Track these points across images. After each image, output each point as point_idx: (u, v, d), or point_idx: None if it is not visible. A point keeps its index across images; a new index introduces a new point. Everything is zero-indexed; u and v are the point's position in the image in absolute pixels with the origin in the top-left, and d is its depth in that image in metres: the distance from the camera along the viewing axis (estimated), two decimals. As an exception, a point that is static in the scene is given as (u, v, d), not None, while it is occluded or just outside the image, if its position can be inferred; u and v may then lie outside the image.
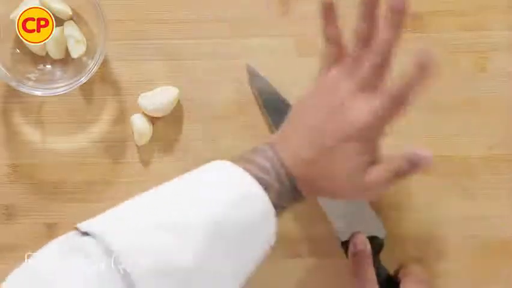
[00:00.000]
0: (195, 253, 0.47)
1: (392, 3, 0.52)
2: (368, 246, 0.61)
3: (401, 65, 0.67)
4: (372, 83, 0.53)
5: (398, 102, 0.52)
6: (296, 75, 0.67)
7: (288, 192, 0.53)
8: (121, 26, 0.67)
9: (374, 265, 0.61)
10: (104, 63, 0.67)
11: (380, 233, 0.63)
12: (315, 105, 0.54)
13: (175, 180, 0.52)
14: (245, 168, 0.51)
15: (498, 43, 0.67)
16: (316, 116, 0.53)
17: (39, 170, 0.67)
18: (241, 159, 0.53)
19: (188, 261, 0.47)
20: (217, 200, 0.49)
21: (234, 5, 0.67)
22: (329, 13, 0.55)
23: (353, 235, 0.62)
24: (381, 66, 0.53)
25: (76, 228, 0.49)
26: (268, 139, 0.55)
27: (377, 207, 0.66)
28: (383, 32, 0.53)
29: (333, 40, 0.55)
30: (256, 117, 0.66)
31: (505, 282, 0.66)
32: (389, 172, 0.53)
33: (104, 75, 0.67)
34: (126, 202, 0.51)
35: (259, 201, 0.51)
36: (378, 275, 0.61)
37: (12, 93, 0.67)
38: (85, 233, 0.47)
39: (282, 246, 0.66)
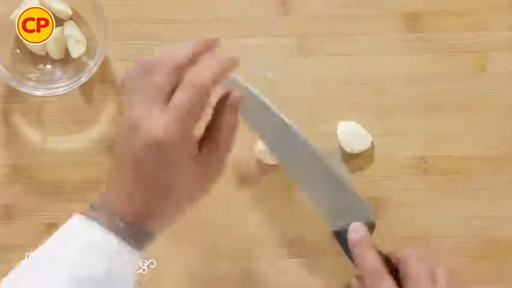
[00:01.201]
0: None
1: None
2: (368, 233, 0.60)
3: (400, 65, 0.67)
4: (163, 95, 0.49)
5: (183, 112, 0.48)
6: (296, 75, 0.67)
7: (136, 235, 0.49)
8: (121, 26, 0.67)
9: None
10: (104, 63, 0.67)
11: (370, 216, 0.62)
12: (121, 136, 0.50)
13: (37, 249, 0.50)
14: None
15: (498, 43, 0.67)
16: (122, 144, 0.50)
17: (39, 170, 0.67)
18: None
19: None
20: (67, 259, 0.48)
21: (234, 5, 0.68)
22: None
23: (349, 225, 0.61)
24: (172, 78, 0.49)
25: None
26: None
27: (377, 206, 0.66)
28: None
29: None
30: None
31: (505, 282, 0.66)
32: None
33: (104, 75, 0.67)
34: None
35: (109, 248, 0.48)
36: None
37: (12, 93, 0.67)
38: None
39: (282, 246, 0.66)
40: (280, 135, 0.62)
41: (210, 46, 0.51)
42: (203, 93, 0.49)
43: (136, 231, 0.49)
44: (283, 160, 0.62)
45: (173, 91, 0.49)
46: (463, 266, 0.66)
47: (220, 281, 0.66)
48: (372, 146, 0.66)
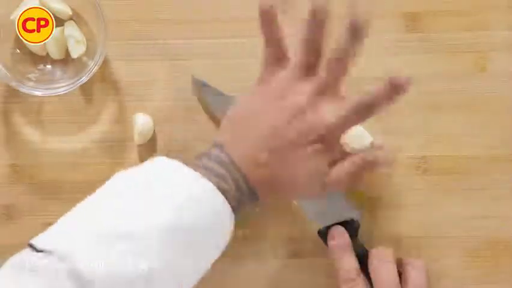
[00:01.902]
0: (151, 261, 0.47)
1: (351, 20, 0.51)
2: (347, 237, 0.62)
3: (400, 65, 0.67)
4: (332, 89, 0.53)
5: (364, 112, 0.52)
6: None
7: (245, 196, 0.53)
8: (121, 26, 0.67)
9: (354, 248, 0.61)
10: (104, 63, 0.67)
11: (355, 215, 0.63)
12: (271, 107, 0.53)
13: (124, 179, 0.52)
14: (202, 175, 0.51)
15: (498, 43, 0.67)
16: (276, 118, 0.52)
17: (39, 170, 0.67)
18: (196, 165, 0.52)
19: (144, 270, 0.47)
20: (171, 204, 0.49)
21: (234, 5, 0.68)
22: (267, 14, 0.54)
23: (330, 228, 0.62)
24: (342, 74, 0.53)
25: (30, 246, 0.48)
26: (216, 140, 0.54)
27: (377, 206, 0.66)
28: (342, 41, 0.52)
29: (273, 42, 0.55)
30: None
31: (505, 282, 0.66)
32: (348, 172, 0.53)
33: (104, 75, 0.67)
34: (77, 210, 0.50)
35: (213, 204, 0.51)
36: (359, 255, 0.61)
37: (12, 93, 0.67)
38: (40, 250, 0.47)
39: (281, 246, 0.66)
40: None
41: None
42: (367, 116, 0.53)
43: (247, 188, 0.52)
44: None
45: (336, 88, 0.53)
46: (462, 266, 0.66)
47: (220, 281, 0.66)
48: (372, 146, 0.66)
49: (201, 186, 0.50)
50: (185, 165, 0.51)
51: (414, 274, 0.60)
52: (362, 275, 0.60)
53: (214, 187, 0.50)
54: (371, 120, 0.66)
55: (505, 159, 0.67)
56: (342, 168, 0.53)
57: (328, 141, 0.53)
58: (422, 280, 0.60)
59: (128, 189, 0.51)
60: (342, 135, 0.54)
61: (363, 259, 0.61)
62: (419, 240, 0.66)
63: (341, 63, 0.53)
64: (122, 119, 0.67)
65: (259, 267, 0.66)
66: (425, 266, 0.61)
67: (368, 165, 0.54)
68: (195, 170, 0.51)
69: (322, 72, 0.53)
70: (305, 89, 0.53)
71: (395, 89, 0.51)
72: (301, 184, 0.54)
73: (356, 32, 0.51)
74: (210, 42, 0.67)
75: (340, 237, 0.62)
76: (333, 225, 0.63)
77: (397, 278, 0.60)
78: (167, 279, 0.48)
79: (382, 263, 0.60)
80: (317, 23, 0.52)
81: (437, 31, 0.67)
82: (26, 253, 0.48)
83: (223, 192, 0.51)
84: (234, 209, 0.52)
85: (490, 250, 0.66)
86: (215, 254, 0.53)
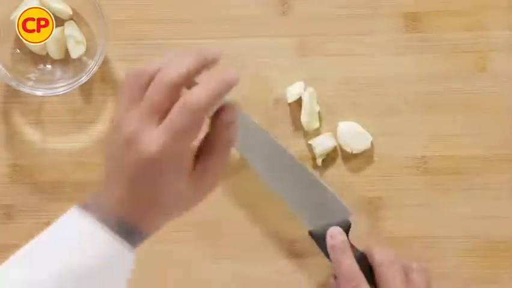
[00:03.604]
0: None
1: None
2: (345, 236, 0.62)
3: (400, 65, 0.67)
4: (160, 112, 0.49)
5: (179, 132, 0.49)
6: (296, 75, 0.67)
7: (127, 234, 0.50)
8: (121, 26, 0.67)
9: None
10: (104, 63, 0.67)
11: (346, 215, 0.63)
12: (113, 144, 0.51)
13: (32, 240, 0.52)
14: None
15: (498, 43, 0.67)
16: (115, 153, 0.51)
17: (39, 170, 0.67)
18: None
19: None
20: (61, 253, 0.49)
21: (234, 5, 0.68)
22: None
23: (328, 228, 0.62)
24: (170, 95, 0.49)
25: None
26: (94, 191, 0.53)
27: (377, 206, 0.66)
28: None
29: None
30: (255, 117, 0.66)
31: (505, 282, 0.66)
32: (220, 166, 0.52)
33: (104, 75, 0.67)
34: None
35: (101, 241, 0.49)
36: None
37: (12, 93, 0.67)
38: None
39: (282, 246, 0.66)
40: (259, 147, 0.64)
41: (208, 62, 0.50)
42: (198, 116, 0.49)
43: (128, 228, 0.50)
44: (259, 164, 0.64)
45: (169, 108, 0.49)
46: (462, 266, 0.66)
47: (219, 281, 0.66)
48: (372, 146, 0.66)
49: (81, 234, 0.49)
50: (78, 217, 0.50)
51: (416, 275, 0.60)
52: (362, 275, 0.60)
53: (99, 229, 0.49)
54: (371, 120, 0.66)
55: (505, 159, 0.67)
56: (212, 165, 0.52)
57: (173, 161, 0.50)
58: (424, 281, 0.60)
59: (26, 251, 0.52)
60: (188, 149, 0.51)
61: (359, 261, 0.61)
62: (419, 240, 0.66)
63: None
64: (122, 119, 0.67)
65: (260, 267, 0.66)
66: (426, 267, 0.61)
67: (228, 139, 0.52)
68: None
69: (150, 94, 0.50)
70: (134, 117, 0.50)
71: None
72: (179, 202, 0.52)
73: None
74: (210, 42, 0.67)
75: (339, 236, 0.62)
76: (324, 225, 0.62)
77: (404, 279, 0.60)
78: None
79: (388, 264, 0.60)
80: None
81: (437, 31, 0.67)
82: None
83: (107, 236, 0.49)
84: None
85: (490, 250, 0.66)
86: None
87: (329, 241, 0.62)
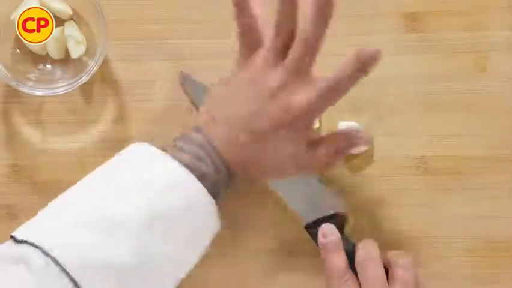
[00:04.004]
0: (131, 249, 0.47)
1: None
2: (337, 235, 0.61)
3: (400, 65, 0.67)
4: (303, 70, 0.53)
5: (335, 91, 0.52)
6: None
7: (223, 178, 0.53)
8: (121, 26, 0.67)
9: (342, 243, 0.61)
10: (104, 63, 0.67)
11: (341, 208, 0.63)
12: (247, 91, 0.54)
13: (103, 168, 0.53)
14: (179, 158, 0.51)
15: (498, 43, 0.67)
16: (250, 101, 0.53)
17: (39, 170, 0.67)
18: (174, 148, 0.53)
19: (125, 256, 0.47)
20: (149, 191, 0.49)
21: (234, 5, 0.67)
22: (239, 4, 0.55)
23: (320, 225, 0.62)
24: (311, 54, 0.53)
25: (12, 237, 0.49)
26: (194, 123, 0.55)
27: (377, 206, 0.66)
28: (310, 22, 0.53)
29: (247, 30, 0.55)
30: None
31: (505, 282, 0.66)
32: (331, 152, 0.55)
33: (104, 75, 0.67)
34: (56, 201, 0.52)
35: (192, 189, 0.51)
36: (348, 250, 0.61)
37: (12, 93, 0.67)
38: (21, 241, 0.48)
39: (281, 246, 0.66)
40: None
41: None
42: (345, 92, 0.53)
43: (229, 180, 0.53)
44: None
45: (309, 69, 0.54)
46: (462, 266, 0.66)
47: (219, 281, 0.66)
48: (372, 146, 0.66)
49: (175, 173, 0.51)
50: (160, 151, 0.52)
51: (402, 272, 0.59)
52: (351, 272, 0.60)
53: (189, 175, 0.51)
54: (371, 121, 0.66)
55: (505, 159, 0.67)
56: (324, 148, 0.55)
57: (303, 122, 0.53)
58: (410, 277, 0.59)
59: (103, 179, 0.52)
60: (317, 115, 0.55)
61: (352, 254, 0.61)
62: (419, 240, 0.66)
63: (308, 44, 0.53)
64: (122, 119, 0.67)
65: (259, 267, 0.66)
66: (413, 262, 0.60)
67: (350, 143, 0.55)
68: (173, 153, 0.52)
69: (292, 54, 0.53)
70: (277, 72, 0.53)
71: (363, 63, 0.51)
72: (279, 165, 0.54)
73: (320, 12, 0.52)
74: (210, 42, 0.67)
75: (331, 235, 0.61)
76: (320, 219, 0.63)
77: (384, 276, 0.59)
78: (146, 270, 0.48)
79: (368, 260, 0.59)
80: (287, 5, 0.53)
81: (437, 31, 0.67)
82: (8, 244, 0.49)
83: (203, 175, 0.51)
84: (214, 195, 0.52)
85: (490, 250, 0.66)
86: (199, 243, 0.53)
87: (320, 240, 0.62)
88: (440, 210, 0.66)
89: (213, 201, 0.52)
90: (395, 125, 0.67)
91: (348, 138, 0.55)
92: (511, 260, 0.66)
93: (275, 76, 0.53)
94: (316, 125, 0.66)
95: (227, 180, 0.54)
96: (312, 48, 0.53)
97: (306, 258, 0.66)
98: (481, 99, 0.67)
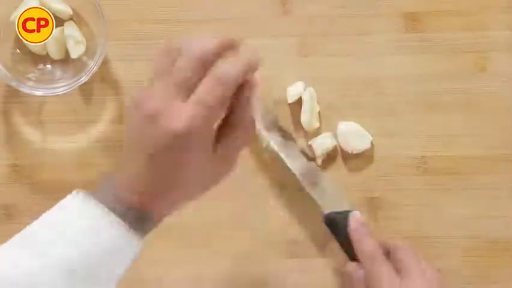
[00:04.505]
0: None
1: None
2: (364, 222, 0.63)
3: (400, 65, 0.67)
4: (188, 88, 0.48)
5: (210, 107, 0.47)
6: (296, 75, 0.67)
7: (136, 219, 0.49)
8: (121, 26, 0.67)
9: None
10: (104, 63, 0.67)
11: (354, 207, 0.64)
12: (134, 120, 0.49)
13: (34, 222, 0.50)
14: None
15: (498, 43, 0.67)
16: (136, 130, 0.49)
17: (39, 170, 0.67)
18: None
19: None
20: (63, 240, 0.48)
21: (234, 5, 0.68)
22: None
23: (336, 219, 0.63)
24: (198, 71, 0.48)
25: None
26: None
27: (377, 206, 0.66)
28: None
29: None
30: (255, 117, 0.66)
31: (505, 282, 0.66)
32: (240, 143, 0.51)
33: (104, 75, 0.67)
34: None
35: (109, 230, 0.48)
36: None
37: (12, 93, 0.67)
38: None
39: (281, 246, 0.66)
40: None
41: (234, 44, 0.50)
42: (229, 89, 0.48)
43: (138, 214, 0.48)
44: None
45: (196, 83, 0.47)
46: (462, 266, 0.66)
47: (219, 281, 0.66)
48: (372, 146, 0.66)
49: (89, 220, 0.48)
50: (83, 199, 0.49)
51: (405, 256, 0.60)
52: (382, 255, 0.60)
53: (105, 217, 0.48)
54: (371, 120, 0.66)
55: (505, 159, 0.67)
56: (232, 145, 0.51)
57: (196, 142, 0.48)
58: (413, 257, 0.60)
59: (32, 229, 0.50)
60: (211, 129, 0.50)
61: None
62: (419, 240, 0.66)
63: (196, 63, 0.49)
64: (122, 119, 0.67)
65: (259, 267, 0.66)
66: (410, 246, 0.61)
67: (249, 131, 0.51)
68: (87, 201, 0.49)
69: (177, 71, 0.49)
70: (161, 93, 0.48)
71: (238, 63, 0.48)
72: (196, 183, 0.51)
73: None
74: (210, 42, 0.67)
75: (361, 220, 0.62)
76: (338, 213, 0.63)
77: (391, 271, 0.60)
78: None
79: (375, 264, 0.60)
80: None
81: (437, 31, 0.67)
82: None
83: (111, 223, 0.48)
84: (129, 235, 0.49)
85: (490, 250, 0.66)
86: (120, 274, 0.50)
87: (352, 223, 0.62)
88: (440, 210, 0.66)
89: (134, 238, 0.49)
90: (395, 125, 0.67)
91: (247, 126, 0.51)
92: (511, 260, 0.66)
93: (159, 94, 0.48)
94: (316, 125, 0.66)
95: (142, 220, 0.50)
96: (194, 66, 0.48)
97: (309, 258, 0.66)
98: (481, 99, 0.67)
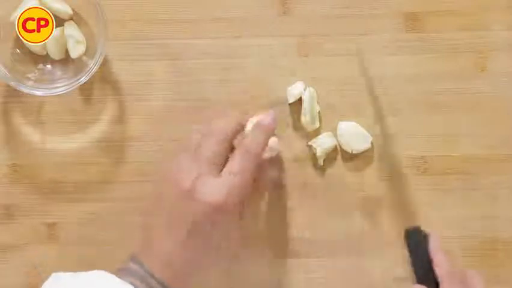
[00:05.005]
0: None
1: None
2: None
3: (400, 65, 0.67)
4: (217, 163, 0.54)
5: (243, 176, 0.54)
6: (296, 75, 0.67)
7: None
8: (121, 26, 0.67)
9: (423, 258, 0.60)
10: (104, 63, 0.67)
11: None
12: (171, 197, 0.53)
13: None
14: None
15: (498, 43, 0.67)
16: (173, 207, 0.53)
17: (39, 170, 0.67)
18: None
19: None
20: None
21: (234, 5, 0.68)
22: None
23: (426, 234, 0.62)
24: (224, 148, 0.55)
25: None
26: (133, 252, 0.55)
27: (377, 206, 0.66)
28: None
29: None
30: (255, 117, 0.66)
31: (505, 282, 0.66)
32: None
33: (104, 75, 0.67)
34: None
35: None
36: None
37: (12, 93, 0.67)
38: None
39: (281, 246, 0.66)
40: None
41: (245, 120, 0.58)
42: (256, 158, 0.55)
43: None
44: None
45: (224, 158, 0.54)
46: (462, 266, 0.66)
47: (219, 281, 0.66)
48: (372, 146, 0.66)
49: None
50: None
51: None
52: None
53: None
54: (371, 120, 0.66)
55: (505, 159, 0.67)
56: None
57: (226, 217, 0.54)
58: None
59: None
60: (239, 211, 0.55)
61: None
62: (419, 240, 0.66)
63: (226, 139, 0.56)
64: (122, 119, 0.67)
65: (260, 267, 0.66)
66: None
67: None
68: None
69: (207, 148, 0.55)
70: (193, 169, 0.54)
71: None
72: (217, 258, 0.55)
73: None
74: (210, 42, 0.67)
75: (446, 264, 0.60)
76: (416, 230, 0.62)
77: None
78: None
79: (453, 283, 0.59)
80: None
81: (437, 31, 0.67)
82: None
83: None
84: None
85: (490, 250, 0.66)
86: None
87: (435, 243, 0.60)
88: (440, 210, 0.66)
89: None
90: (395, 125, 0.67)
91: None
92: (511, 260, 0.66)
93: (191, 170, 0.54)
94: (317, 124, 0.66)
95: None
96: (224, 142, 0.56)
97: (309, 259, 0.66)
98: (481, 99, 0.67)
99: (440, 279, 0.59)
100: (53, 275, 0.53)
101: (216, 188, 0.52)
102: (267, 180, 0.58)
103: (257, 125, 0.57)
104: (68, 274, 0.52)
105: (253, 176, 0.54)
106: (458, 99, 0.67)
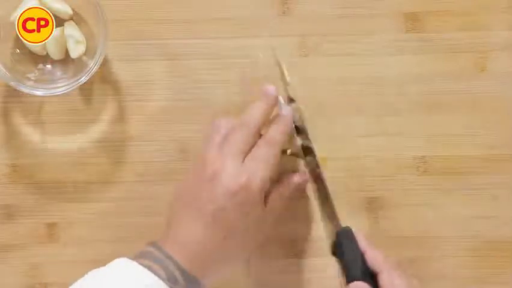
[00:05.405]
0: None
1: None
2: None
3: (400, 65, 0.67)
4: (243, 152, 0.57)
5: (266, 162, 0.57)
6: (297, 75, 0.67)
7: (184, 285, 0.53)
8: (121, 26, 0.67)
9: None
10: (104, 63, 0.67)
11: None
12: (190, 184, 0.57)
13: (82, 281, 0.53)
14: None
15: (498, 43, 0.67)
16: (191, 192, 0.56)
17: (39, 170, 0.67)
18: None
19: None
20: None
21: (234, 5, 0.68)
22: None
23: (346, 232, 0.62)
24: (248, 135, 0.58)
25: None
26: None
27: (377, 206, 0.66)
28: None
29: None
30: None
31: (505, 282, 0.66)
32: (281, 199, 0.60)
33: (104, 75, 0.67)
34: None
35: None
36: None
37: (12, 93, 0.67)
38: None
39: (282, 246, 0.66)
40: None
41: (273, 104, 0.60)
42: (278, 148, 0.58)
43: (190, 278, 0.53)
44: None
45: (250, 148, 0.57)
46: (462, 266, 0.66)
47: (219, 281, 0.66)
48: (372, 146, 0.66)
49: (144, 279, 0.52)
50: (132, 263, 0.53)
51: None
52: None
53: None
54: (371, 120, 0.66)
55: (505, 159, 0.67)
56: (277, 197, 0.60)
57: (251, 201, 0.56)
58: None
59: None
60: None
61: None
62: (419, 240, 0.66)
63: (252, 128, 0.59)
64: (122, 119, 0.67)
65: (260, 267, 0.66)
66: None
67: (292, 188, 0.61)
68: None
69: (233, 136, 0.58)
70: (215, 155, 0.57)
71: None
72: (250, 242, 0.58)
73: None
74: (210, 42, 0.67)
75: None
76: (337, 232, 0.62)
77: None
78: None
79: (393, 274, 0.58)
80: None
81: (437, 31, 0.67)
82: None
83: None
84: None
85: (490, 250, 0.66)
86: None
87: (362, 237, 0.61)
88: (440, 210, 0.66)
89: None
90: (395, 125, 0.67)
91: (289, 184, 0.61)
92: (511, 260, 0.66)
93: (213, 155, 0.57)
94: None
95: (191, 285, 0.54)
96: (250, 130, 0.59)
97: (309, 258, 0.66)
98: (481, 99, 0.67)
99: (378, 270, 0.58)
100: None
101: (240, 172, 0.55)
102: (289, 176, 0.61)
103: (278, 116, 0.60)
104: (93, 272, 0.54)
105: (276, 162, 0.57)
106: (458, 99, 0.67)
